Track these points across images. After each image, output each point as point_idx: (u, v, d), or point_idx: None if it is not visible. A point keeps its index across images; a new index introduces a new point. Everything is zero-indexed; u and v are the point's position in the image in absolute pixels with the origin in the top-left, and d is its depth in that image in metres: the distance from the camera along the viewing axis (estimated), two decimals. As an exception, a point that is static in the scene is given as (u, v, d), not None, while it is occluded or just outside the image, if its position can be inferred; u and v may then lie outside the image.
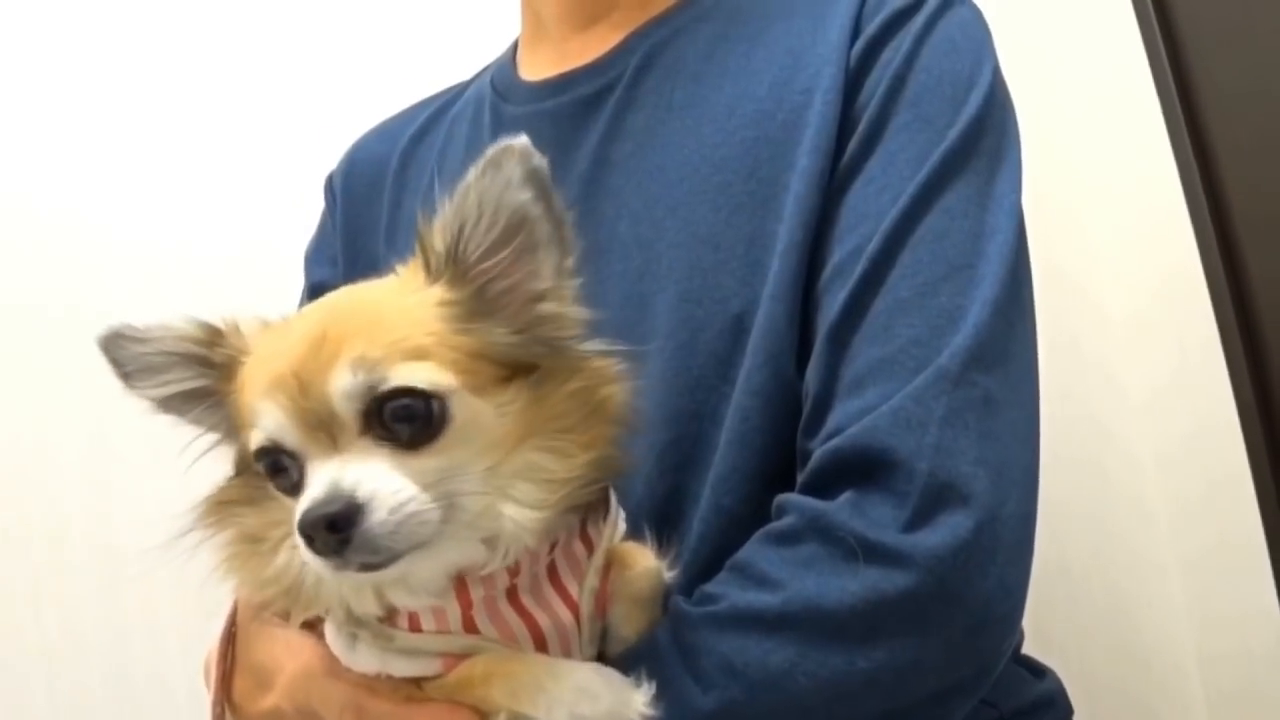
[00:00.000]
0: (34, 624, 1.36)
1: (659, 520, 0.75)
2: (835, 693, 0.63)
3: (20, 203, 1.45)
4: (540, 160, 0.58)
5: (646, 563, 0.69)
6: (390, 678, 0.62)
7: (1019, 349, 0.72)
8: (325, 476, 0.53)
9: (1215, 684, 1.38)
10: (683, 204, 0.80)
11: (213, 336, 0.62)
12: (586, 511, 0.65)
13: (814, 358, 0.72)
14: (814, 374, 0.72)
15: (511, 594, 0.62)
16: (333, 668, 0.64)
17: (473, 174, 0.58)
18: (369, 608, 0.59)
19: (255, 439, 0.56)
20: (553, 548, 0.63)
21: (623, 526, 0.71)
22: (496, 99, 0.97)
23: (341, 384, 0.54)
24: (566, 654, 0.64)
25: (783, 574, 0.65)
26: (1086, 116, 1.52)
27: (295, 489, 0.55)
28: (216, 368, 0.61)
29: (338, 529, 0.51)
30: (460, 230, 0.58)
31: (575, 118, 0.89)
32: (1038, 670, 0.89)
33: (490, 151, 0.58)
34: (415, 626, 0.61)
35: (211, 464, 0.65)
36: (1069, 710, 0.90)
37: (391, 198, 1.00)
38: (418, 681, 0.62)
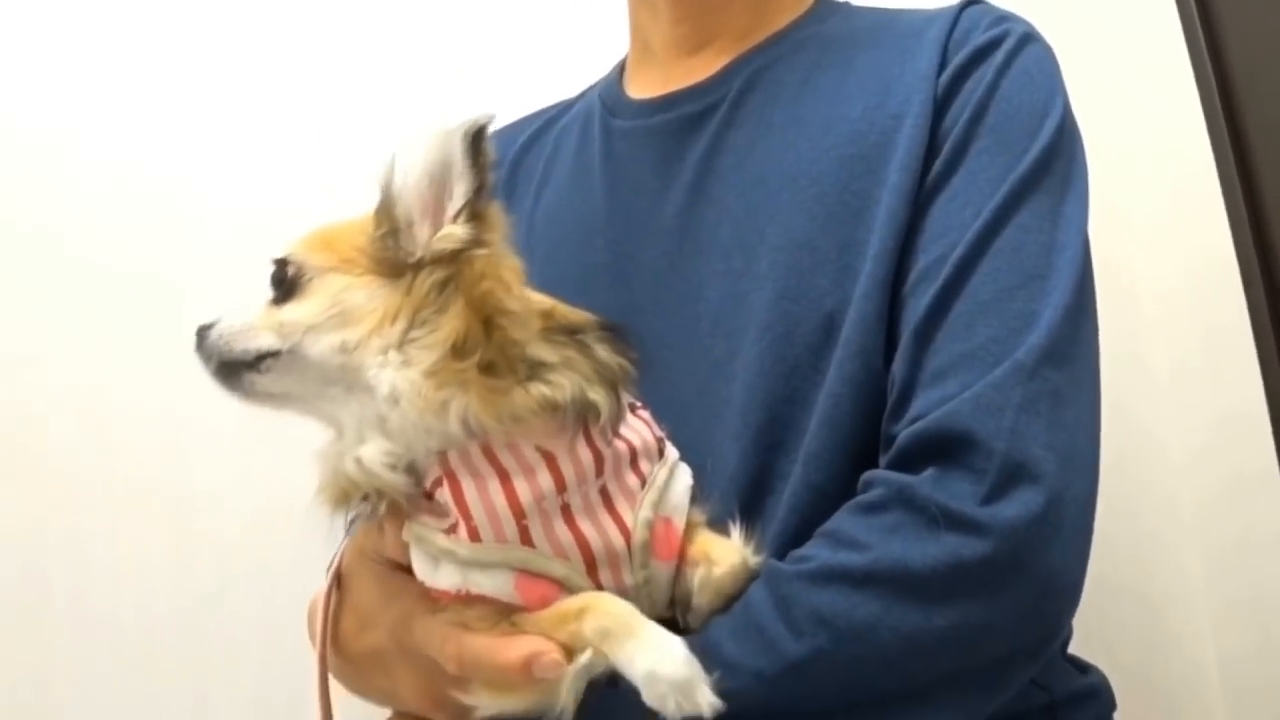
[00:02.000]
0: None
1: (750, 492, 0.82)
2: (914, 647, 0.69)
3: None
4: (485, 121, 0.68)
5: (733, 559, 0.73)
6: (485, 610, 0.67)
7: (1084, 352, 0.80)
8: None
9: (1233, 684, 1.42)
10: (781, 212, 0.88)
11: None
12: (635, 451, 0.72)
13: (900, 352, 0.80)
14: (899, 366, 0.79)
15: (566, 513, 0.68)
16: (433, 608, 0.70)
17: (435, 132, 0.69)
18: (350, 469, 0.68)
19: None
20: (600, 471, 0.69)
21: (687, 480, 0.75)
22: (605, 114, 1.06)
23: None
24: (616, 577, 0.69)
25: (871, 538, 0.71)
26: (1127, 129, 1.58)
27: None
28: None
29: (199, 335, 0.73)
30: (400, 171, 0.70)
31: (681, 133, 0.97)
32: (1083, 667, 0.95)
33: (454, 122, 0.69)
34: (473, 536, 0.66)
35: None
36: (1113, 704, 0.95)
37: (502, 198, 1.08)
38: (513, 620, 0.67)
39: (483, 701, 0.68)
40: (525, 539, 0.66)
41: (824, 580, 0.71)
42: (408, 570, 0.72)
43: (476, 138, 0.68)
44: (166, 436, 1.45)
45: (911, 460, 0.75)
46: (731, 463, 0.83)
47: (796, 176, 0.89)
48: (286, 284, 0.71)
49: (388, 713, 0.83)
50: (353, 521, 0.91)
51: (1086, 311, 0.81)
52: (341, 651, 0.80)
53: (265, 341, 0.70)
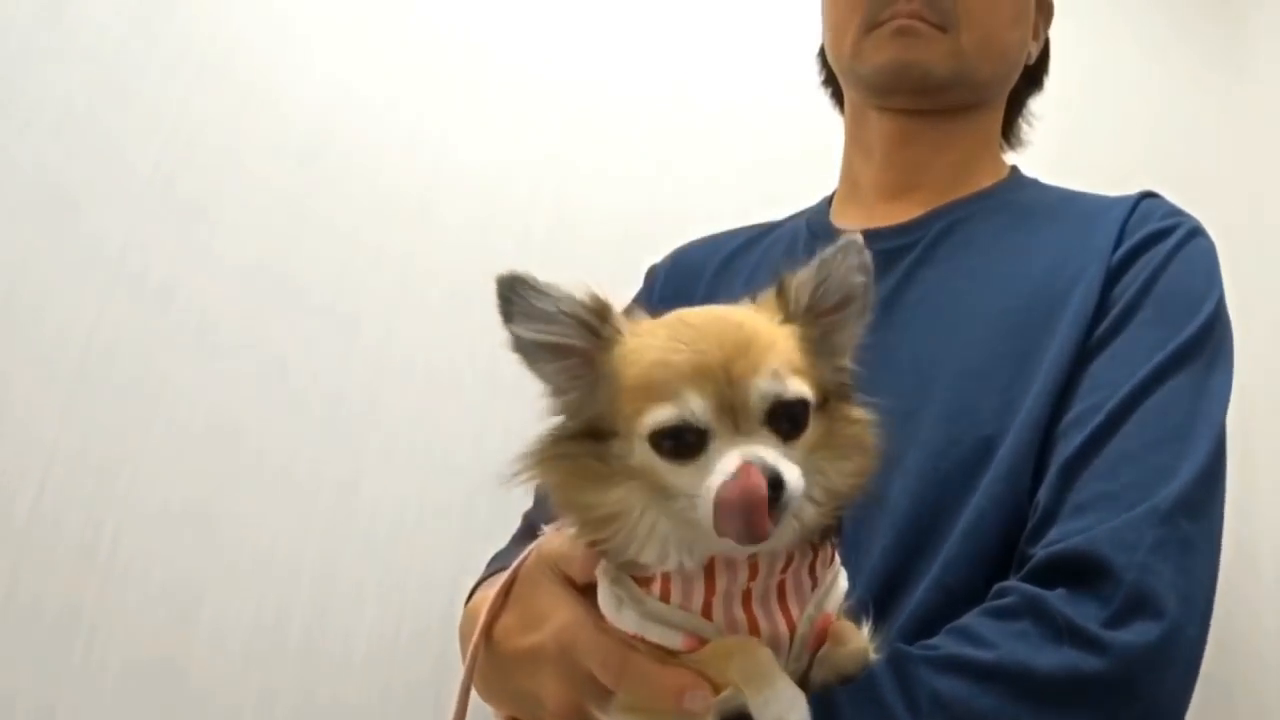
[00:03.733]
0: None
1: (886, 587, 0.89)
2: None
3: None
4: (869, 256, 0.73)
5: (857, 643, 0.75)
6: (644, 641, 0.70)
7: (1214, 512, 0.87)
8: (746, 450, 0.64)
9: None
10: (958, 344, 0.99)
11: (602, 310, 0.71)
12: (817, 554, 0.73)
13: (1046, 483, 0.87)
14: (1044, 495, 0.86)
15: (746, 597, 0.70)
16: (601, 624, 0.73)
17: (828, 251, 0.72)
18: (650, 557, 0.68)
19: (663, 414, 0.65)
20: (786, 568, 0.70)
21: (845, 584, 0.77)
22: (811, 237, 1.19)
23: (761, 385, 0.65)
24: None
25: (997, 638, 0.76)
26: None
27: (686, 456, 0.65)
28: (596, 336, 0.70)
29: (774, 488, 0.62)
30: (816, 289, 0.72)
31: (877, 265, 1.08)
32: None
33: (841, 240, 0.72)
34: (665, 596, 0.69)
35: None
36: None
37: (703, 297, 1.19)
38: (672, 653, 0.70)
39: None
40: (706, 613, 0.70)
41: (949, 668, 0.75)
42: (583, 591, 0.77)
43: (870, 272, 0.73)
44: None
45: (1045, 577, 0.80)
46: (874, 558, 0.91)
47: (976, 316, 1.01)
48: (800, 426, 0.67)
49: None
50: (523, 533, 1.01)
51: (1219, 477, 0.89)
52: (496, 647, 0.83)
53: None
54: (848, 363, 0.74)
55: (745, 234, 1.29)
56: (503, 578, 0.86)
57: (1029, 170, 1.24)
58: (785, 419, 0.66)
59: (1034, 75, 1.28)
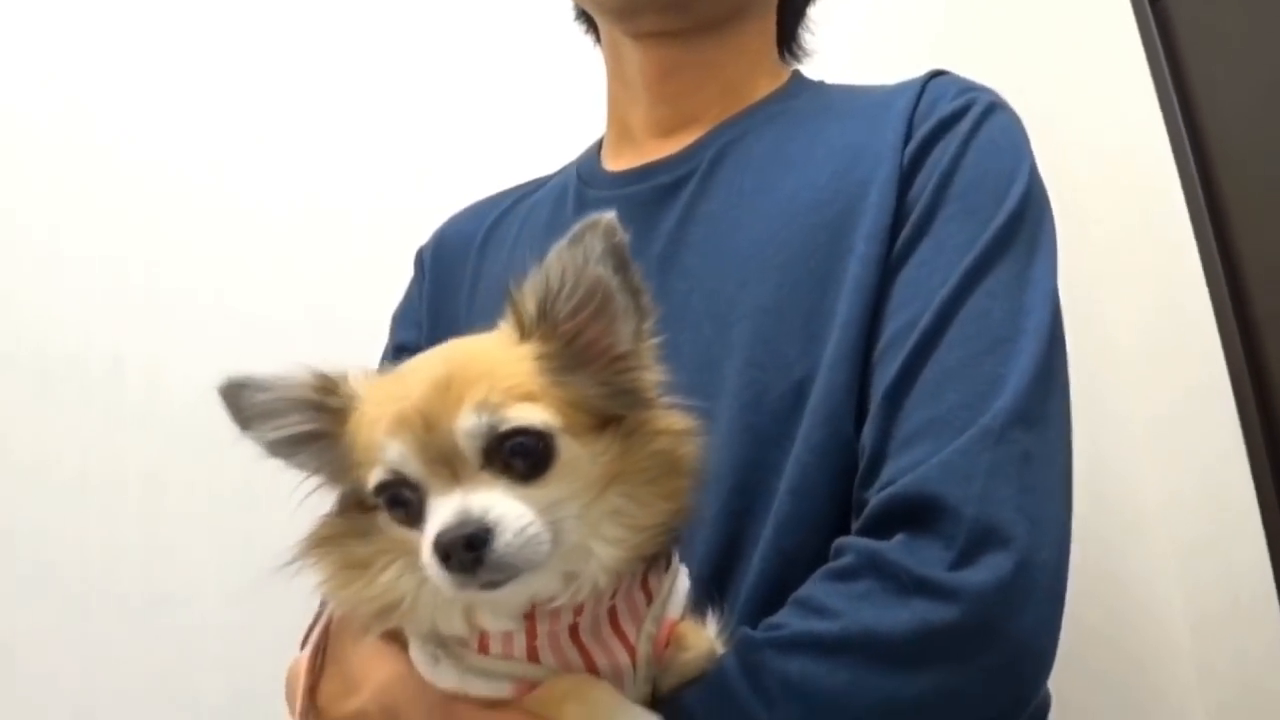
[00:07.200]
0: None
1: (722, 559, 0.82)
2: (885, 715, 0.69)
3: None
4: (621, 236, 0.64)
5: (702, 646, 0.72)
6: (476, 700, 0.66)
7: (1054, 414, 0.79)
8: (453, 504, 0.58)
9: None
10: (750, 280, 0.88)
11: (328, 384, 0.66)
12: (650, 562, 0.69)
13: (870, 419, 0.79)
14: (869, 433, 0.79)
15: (573, 632, 0.65)
16: (421, 677, 0.69)
17: (560, 244, 0.64)
18: (455, 628, 0.65)
19: (377, 474, 0.61)
20: (615, 593, 0.66)
21: (686, 582, 0.74)
22: (581, 185, 1.07)
23: (466, 424, 0.59)
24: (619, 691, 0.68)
25: (841, 605, 0.71)
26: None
27: (414, 519, 0.61)
28: (330, 413, 0.66)
29: (473, 548, 0.57)
30: (546, 295, 0.64)
31: (654, 204, 0.98)
32: None
33: (577, 225, 0.64)
34: (483, 649, 0.65)
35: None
36: None
37: (474, 269, 1.10)
38: (502, 701, 0.66)
39: None
40: (533, 657, 0.65)
41: (794, 648, 0.70)
42: (398, 636, 0.70)
43: (623, 257, 0.64)
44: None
45: (882, 526, 0.74)
46: (704, 529, 0.83)
47: (764, 244, 0.89)
48: (540, 459, 0.61)
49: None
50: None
51: (1055, 374, 0.81)
52: (322, 716, 0.76)
53: (548, 541, 0.60)
54: (637, 370, 0.66)
55: (511, 196, 1.17)
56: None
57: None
58: (517, 455, 0.60)
59: None
